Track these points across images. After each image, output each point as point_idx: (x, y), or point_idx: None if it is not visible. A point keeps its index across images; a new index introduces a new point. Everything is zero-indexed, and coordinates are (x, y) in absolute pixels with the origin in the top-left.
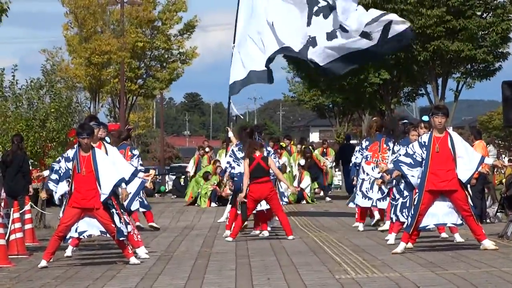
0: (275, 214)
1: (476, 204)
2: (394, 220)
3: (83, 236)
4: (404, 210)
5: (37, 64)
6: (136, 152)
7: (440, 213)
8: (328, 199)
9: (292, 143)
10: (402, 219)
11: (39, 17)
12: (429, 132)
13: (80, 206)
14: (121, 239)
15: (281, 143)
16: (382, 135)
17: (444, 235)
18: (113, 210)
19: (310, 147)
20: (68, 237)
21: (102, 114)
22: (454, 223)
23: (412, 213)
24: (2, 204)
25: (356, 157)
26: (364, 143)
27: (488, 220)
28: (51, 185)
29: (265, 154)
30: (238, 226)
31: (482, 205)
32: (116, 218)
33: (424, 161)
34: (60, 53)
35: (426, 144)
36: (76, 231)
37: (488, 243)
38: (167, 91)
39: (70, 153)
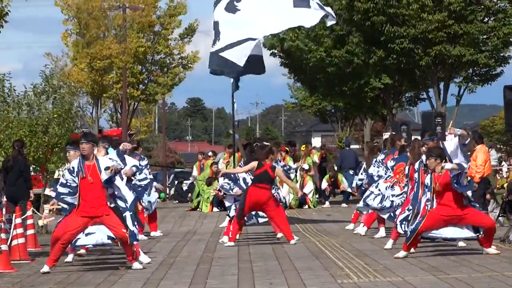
0: (272, 221)
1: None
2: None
3: (90, 245)
4: (404, 222)
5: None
6: (144, 162)
7: (450, 230)
8: (344, 205)
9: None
10: (400, 230)
11: (44, 22)
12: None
13: (89, 215)
14: (132, 243)
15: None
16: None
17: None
18: (126, 213)
19: (336, 167)
20: (78, 244)
21: (103, 120)
22: (466, 237)
23: (413, 228)
24: (4, 209)
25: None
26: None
27: None
28: (68, 199)
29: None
30: (235, 229)
31: (484, 210)
32: (129, 221)
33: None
34: (64, 58)
35: (428, 185)
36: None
37: (490, 248)
38: (169, 96)
39: (74, 164)
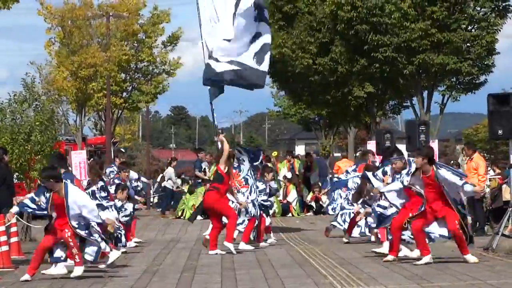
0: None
1: None
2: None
3: None
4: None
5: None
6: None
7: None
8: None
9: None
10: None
11: (28, 30)
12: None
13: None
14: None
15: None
16: None
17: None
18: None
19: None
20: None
21: (87, 128)
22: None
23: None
24: None
25: None
26: None
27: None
28: (29, 210)
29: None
30: (214, 236)
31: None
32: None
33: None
34: (48, 66)
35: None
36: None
37: (469, 257)
38: (153, 104)
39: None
